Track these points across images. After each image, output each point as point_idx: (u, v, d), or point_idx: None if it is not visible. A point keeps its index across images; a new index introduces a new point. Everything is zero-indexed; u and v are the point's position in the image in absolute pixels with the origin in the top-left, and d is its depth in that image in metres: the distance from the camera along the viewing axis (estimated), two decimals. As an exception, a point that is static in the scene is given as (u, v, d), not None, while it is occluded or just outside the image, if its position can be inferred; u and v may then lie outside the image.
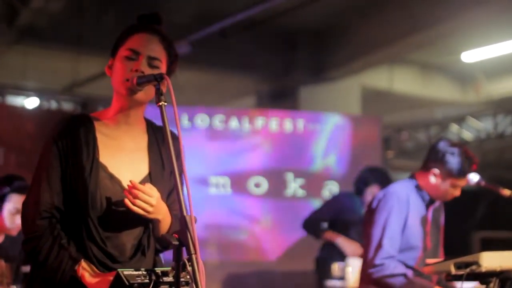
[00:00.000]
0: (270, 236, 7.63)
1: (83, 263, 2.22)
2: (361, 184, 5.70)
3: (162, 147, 2.42)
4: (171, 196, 2.42)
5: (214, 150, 7.59)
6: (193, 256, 1.90)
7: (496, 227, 10.79)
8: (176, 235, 1.96)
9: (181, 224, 1.95)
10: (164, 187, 2.38)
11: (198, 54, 8.04)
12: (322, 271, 5.69)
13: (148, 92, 2.28)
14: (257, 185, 7.65)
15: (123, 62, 2.30)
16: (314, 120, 7.91)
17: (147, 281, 2.03)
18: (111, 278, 2.11)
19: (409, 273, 3.59)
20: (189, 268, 1.91)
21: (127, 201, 2.19)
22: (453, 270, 3.00)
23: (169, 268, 2.04)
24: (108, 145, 2.32)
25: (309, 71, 9.33)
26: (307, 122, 7.86)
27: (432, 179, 3.74)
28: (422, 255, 3.74)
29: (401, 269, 3.58)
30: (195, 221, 1.96)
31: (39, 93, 8.90)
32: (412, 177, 3.85)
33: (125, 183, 2.26)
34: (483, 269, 2.95)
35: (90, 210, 2.24)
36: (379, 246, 3.62)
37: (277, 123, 7.78)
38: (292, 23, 8.64)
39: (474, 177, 4.05)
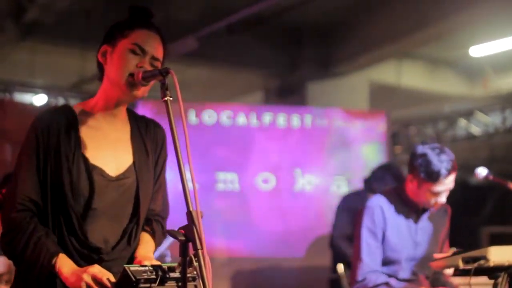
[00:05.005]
0: (280, 232, 7.61)
1: (61, 257, 2.19)
2: (379, 184, 5.52)
3: (145, 137, 2.42)
4: (156, 185, 2.44)
5: (222, 146, 7.58)
6: (200, 252, 1.90)
7: (505, 222, 10.76)
8: (183, 231, 1.95)
9: (188, 219, 1.94)
10: (149, 176, 2.39)
11: (205, 50, 8.04)
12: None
13: (147, 89, 2.31)
14: (265, 181, 7.64)
15: (127, 55, 2.29)
16: (321, 115, 7.89)
17: (153, 276, 2.03)
18: (85, 275, 2.10)
19: (392, 281, 3.56)
20: (196, 264, 1.91)
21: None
22: (461, 265, 2.98)
23: (175, 264, 2.04)
24: (91, 136, 2.31)
25: (317, 66, 9.31)
26: (314, 117, 7.84)
27: (410, 186, 3.60)
28: (418, 264, 3.67)
29: (383, 278, 3.57)
30: (201, 216, 1.95)
31: (47, 90, 8.91)
32: (401, 185, 3.72)
33: (109, 173, 2.28)
34: (491, 264, 2.94)
35: (71, 203, 2.22)
36: (360, 261, 3.60)
37: (285, 119, 7.77)
38: (299, 19, 8.62)
39: (482, 172, 4.03)
